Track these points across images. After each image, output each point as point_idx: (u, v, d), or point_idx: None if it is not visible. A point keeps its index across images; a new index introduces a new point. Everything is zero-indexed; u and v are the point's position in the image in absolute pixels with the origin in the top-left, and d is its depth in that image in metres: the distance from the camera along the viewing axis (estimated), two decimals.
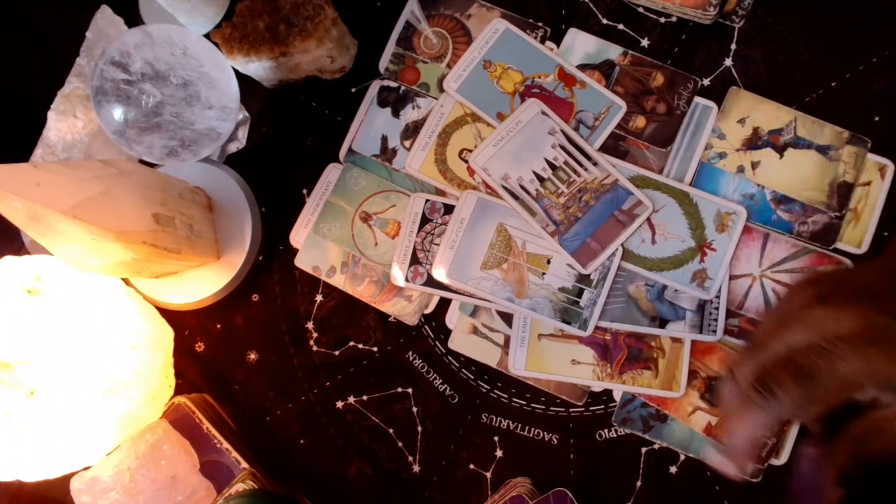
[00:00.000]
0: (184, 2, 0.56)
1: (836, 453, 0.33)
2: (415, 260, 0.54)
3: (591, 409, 0.53)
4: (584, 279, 0.52)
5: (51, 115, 0.55)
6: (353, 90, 0.58)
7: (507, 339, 0.53)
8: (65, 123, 0.55)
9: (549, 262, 0.53)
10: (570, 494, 0.49)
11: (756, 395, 0.33)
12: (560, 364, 0.52)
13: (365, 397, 0.55)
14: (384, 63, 0.58)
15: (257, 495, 0.47)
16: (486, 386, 0.54)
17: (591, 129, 0.54)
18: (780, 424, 0.50)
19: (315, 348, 0.56)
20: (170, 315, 0.55)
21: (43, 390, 0.44)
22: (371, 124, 0.57)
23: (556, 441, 0.53)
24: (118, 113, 0.48)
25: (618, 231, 0.52)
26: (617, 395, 0.53)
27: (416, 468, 0.54)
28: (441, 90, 0.56)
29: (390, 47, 0.58)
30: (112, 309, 0.49)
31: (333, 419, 0.55)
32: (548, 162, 0.53)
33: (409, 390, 0.55)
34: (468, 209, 0.53)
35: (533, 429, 0.53)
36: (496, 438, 0.54)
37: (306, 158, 0.58)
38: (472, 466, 0.53)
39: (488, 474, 0.53)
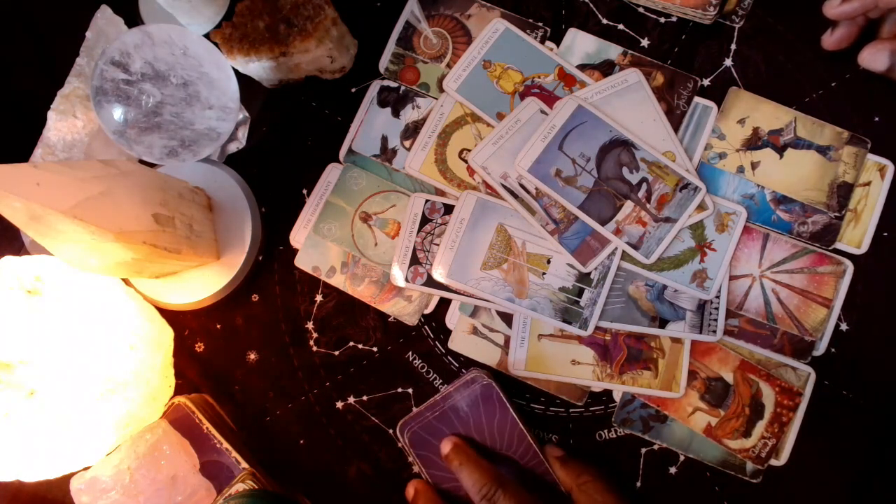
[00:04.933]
0: (184, 2, 0.56)
1: None
2: (415, 260, 0.54)
3: (591, 409, 0.53)
4: (584, 279, 0.52)
5: (51, 115, 0.55)
6: (353, 90, 0.58)
7: (507, 339, 0.53)
8: (65, 123, 0.55)
9: (549, 261, 0.53)
10: (496, 387, 0.50)
11: None
12: (560, 364, 0.52)
13: (365, 397, 0.55)
14: (384, 63, 0.58)
15: (257, 495, 0.47)
16: None
17: None
18: None
19: (315, 348, 0.56)
20: (170, 315, 0.56)
21: (43, 390, 0.44)
22: (371, 124, 0.57)
23: (555, 441, 0.53)
24: (118, 113, 0.48)
25: None
26: (617, 396, 0.53)
27: (416, 468, 0.54)
28: (441, 90, 0.56)
29: (390, 47, 0.58)
30: (112, 309, 0.49)
31: (333, 419, 0.55)
32: None
33: (409, 390, 0.55)
34: (468, 209, 0.53)
35: (533, 429, 0.53)
36: None
37: (306, 158, 0.58)
38: None
39: None
